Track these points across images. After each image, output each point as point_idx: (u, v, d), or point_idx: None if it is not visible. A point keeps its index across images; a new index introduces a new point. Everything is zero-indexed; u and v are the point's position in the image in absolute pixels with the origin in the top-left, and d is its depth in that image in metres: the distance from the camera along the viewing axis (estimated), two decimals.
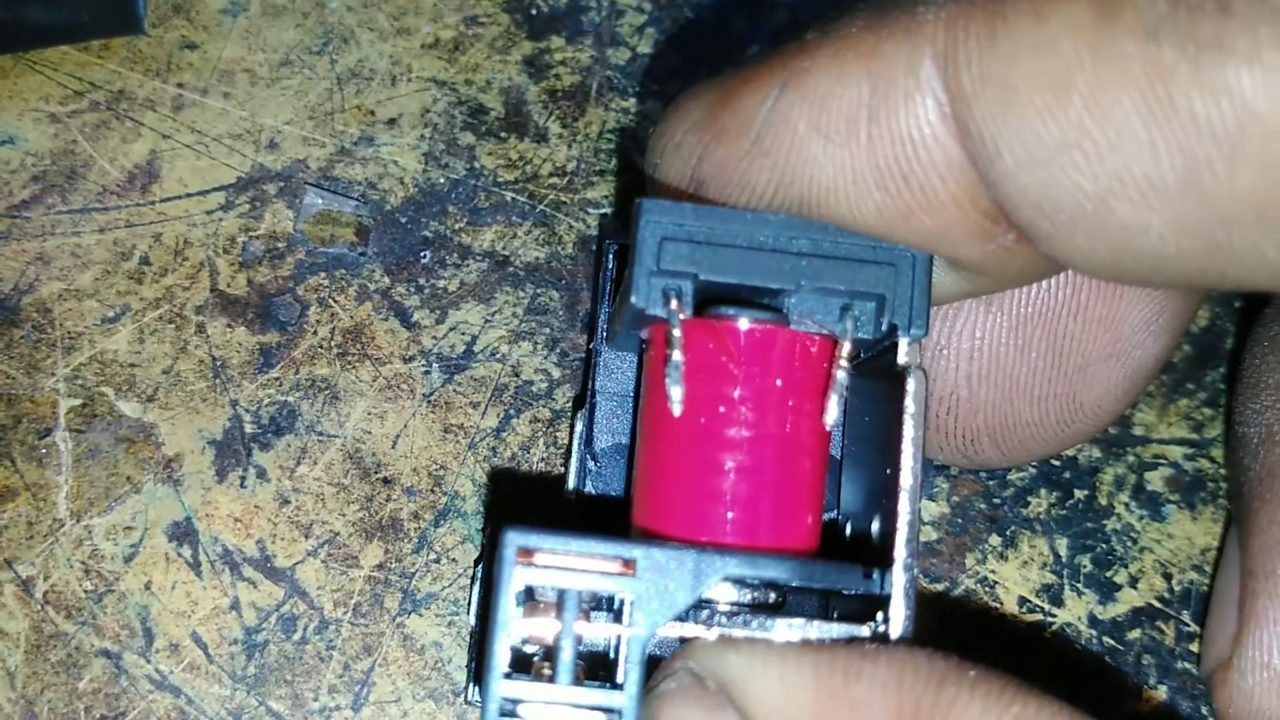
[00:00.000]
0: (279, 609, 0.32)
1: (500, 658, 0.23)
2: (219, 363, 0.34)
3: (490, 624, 0.23)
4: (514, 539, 0.23)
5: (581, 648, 0.23)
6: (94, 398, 0.33)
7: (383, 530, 0.32)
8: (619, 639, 0.23)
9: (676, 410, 0.25)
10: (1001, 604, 0.33)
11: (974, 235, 0.24)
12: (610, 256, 0.30)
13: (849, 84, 0.23)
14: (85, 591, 0.31)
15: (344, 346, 0.34)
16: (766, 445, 0.25)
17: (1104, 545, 0.34)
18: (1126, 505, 0.34)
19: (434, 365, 0.34)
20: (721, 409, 0.25)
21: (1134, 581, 0.34)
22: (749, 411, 0.25)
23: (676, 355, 0.24)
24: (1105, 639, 0.33)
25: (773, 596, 0.26)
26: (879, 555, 0.25)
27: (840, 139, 0.23)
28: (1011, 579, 0.34)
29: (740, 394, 0.25)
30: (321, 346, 0.34)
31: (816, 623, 0.24)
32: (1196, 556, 0.34)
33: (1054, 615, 0.33)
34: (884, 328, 0.25)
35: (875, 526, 0.26)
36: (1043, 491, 0.34)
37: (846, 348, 0.25)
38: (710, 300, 0.25)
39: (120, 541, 0.32)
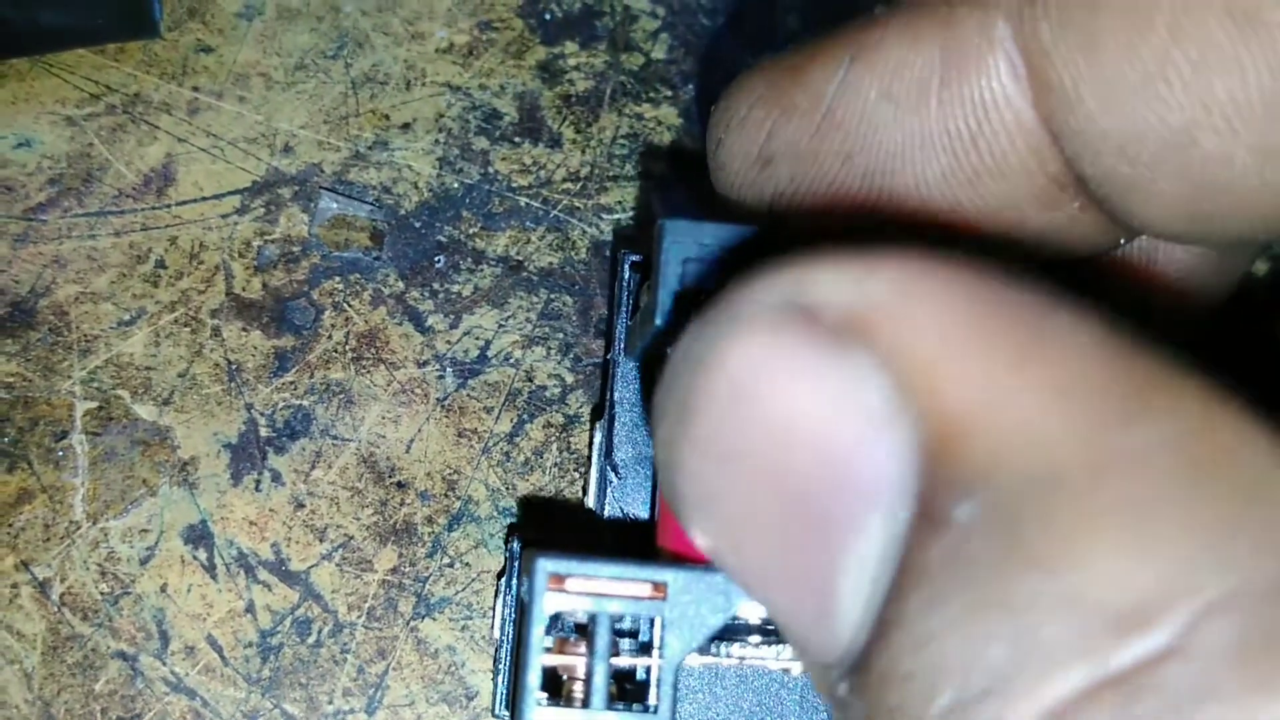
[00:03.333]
0: (293, 612, 0.32)
1: (534, 685, 0.23)
2: (234, 366, 0.34)
3: (523, 651, 0.23)
4: (545, 565, 0.23)
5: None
6: (110, 400, 0.33)
7: (396, 534, 0.33)
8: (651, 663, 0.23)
9: None
10: None
11: (1039, 201, 0.24)
12: (626, 267, 0.31)
13: (921, 51, 0.23)
14: (101, 594, 0.32)
15: (358, 350, 0.34)
16: None
17: None
18: None
19: (448, 370, 0.34)
20: None
21: None
22: None
23: None
24: None
25: None
26: None
27: (910, 105, 0.24)
28: None
29: None
30: (336, 350, 0.34)
31: None
32: None
33: None
34: None
35: None
36: None
37: None
38: None
39: (136, 544, 0.32)
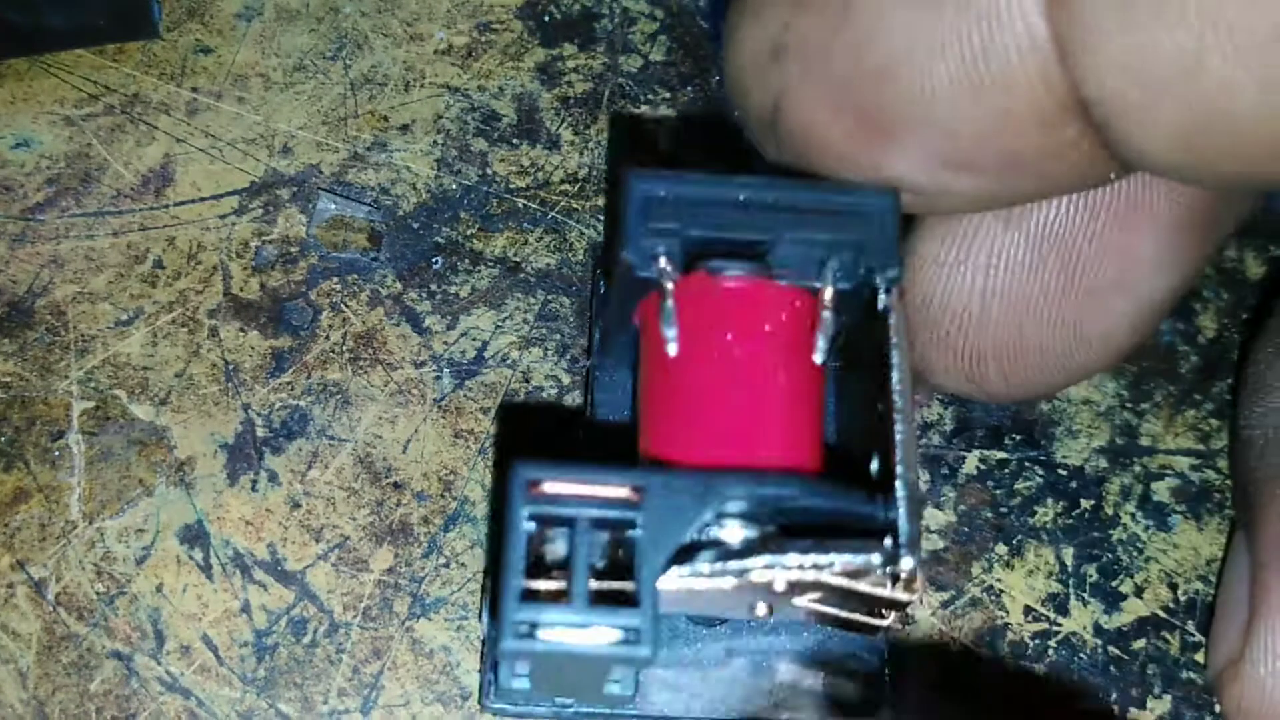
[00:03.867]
0: (289, 612, 0.32)
1: (516, 580, 0.23)
2: (231, 366, 0.34)
3: (504, 551, 0.23)
4: (523, 471, 0.23)
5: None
6: (107, 400, 0.33)
7: (393, 534, 0.33)
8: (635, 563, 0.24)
9: (672, 350, 0.26)
10: (1007, 613, 0.33)
11: (1039, 122, 0.24)
12: (604, 283, 0.31)
13: None
14: (97, 593, 0.32)
15: (356, 351, 0.34)
16: (763, 379, 0.26)
17: (1110, 555, 0.34)
18: (1133, 515, 0.35)
19: (445, 370, 0.34)
20: (716, 353, 0.26)
21: (1139, 591, 0.34)
22: (744, 353, 0.26)
23: (669, 302, 0.26)
24: (1110, 648, 0.33)
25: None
26: (881, 484, 0.25)
27: (928, 10, 0.24)
28: (1017, 588, 0.34)
29: (733, 337, 0.26)
30: (333, 351, 0.34)
31: (827, 543, 0.24)
32: (1202, 567, 0.34)
33: (1059, 624, 0.33)
34: (861, 273, 0.26)
35: (874, 465, 0.26)
36: (1049, 501, 0.34)
37: (828, 294, 0.26)
38: (698, 258, 0.26)
39: (132, 544, 0.32)
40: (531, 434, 0.34)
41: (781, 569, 0.24)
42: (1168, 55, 0.21)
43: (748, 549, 0.25)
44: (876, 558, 0.24)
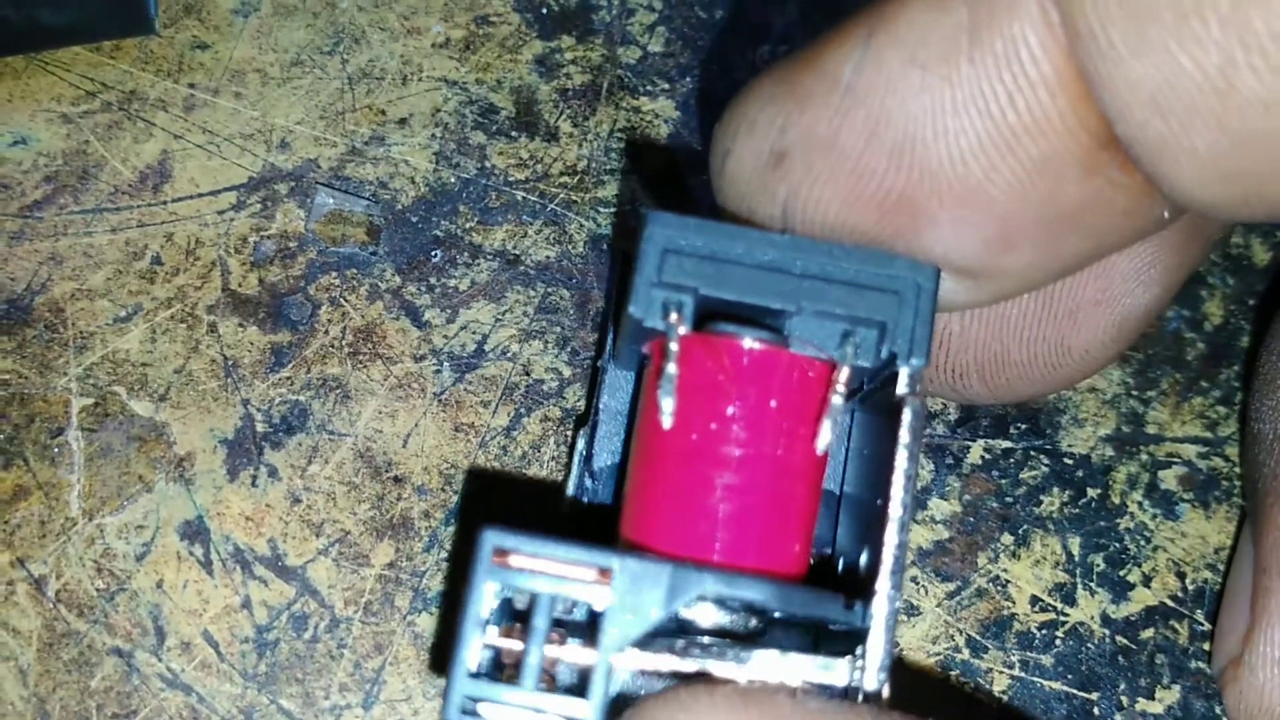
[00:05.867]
0: (290, 607, 0.32)
1: (467, 655, 0.22)
2: (230, 362, 0.34)
3: (459, 620, 0.23)
4: (491, 538, 0.23)
5: (570, 668, 0.23)
6: (106, 397, 0.33)
7: (393, 529, 0.32)
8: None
9: (667, 422, 0.24)
10: (1014, 603, 0.33)
11: (1080, 165, 0.23)
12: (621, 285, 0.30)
13: (947, 10, 0.22)
14: (97, 590, 0.32)
15: (355, 346, 0.34)
16: (756, 466, 0.25)
17: (1117, 544, 0.34)
18: (1140, 504, 0.34)
19: (445, 364, 0.34)
20: (713, 426, 0.25)
21: (1147, 580, 0.34)
22: (741, 431, 0.25)
23: (671, 367, 0.24)
24: (1118, 638, 0.33)
25: (754, 623, 0.25)
26: (864, 587, 0.24)
27: (941, 69, 0.22)
28: (1024, 578, 0.33)
29: (734, 412, 0.25)
30: (333, 346, 0.34)
31: (793, 655, 0.23)
32: (1210, 555, 0.34)
33: (1066, 614, 0.33)
34: (884, 356, 0.24)
35: (863, 559, 0.25)
36: (1055, 490, 0.34)
37: (844, 374, 0.25)
38: (711, 316, 0.25)
39: (132, 540, 0.32)
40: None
41: (744, 670, 0.23)
42: (1193, 79, 0.20)
43: (716, 634, 0.24)
44: (843, 676, 0.23)
